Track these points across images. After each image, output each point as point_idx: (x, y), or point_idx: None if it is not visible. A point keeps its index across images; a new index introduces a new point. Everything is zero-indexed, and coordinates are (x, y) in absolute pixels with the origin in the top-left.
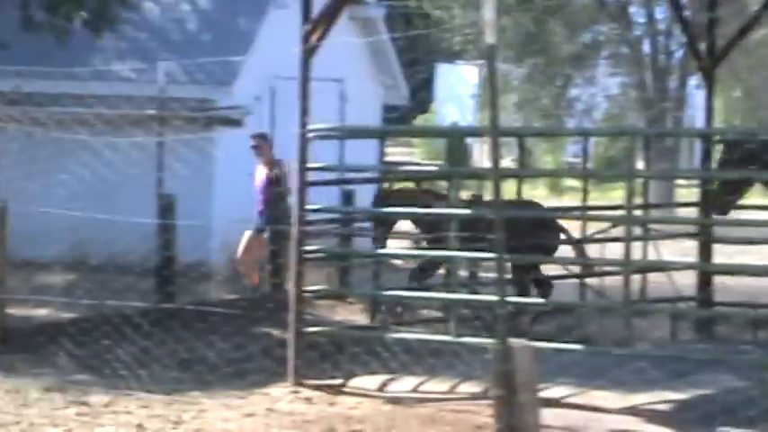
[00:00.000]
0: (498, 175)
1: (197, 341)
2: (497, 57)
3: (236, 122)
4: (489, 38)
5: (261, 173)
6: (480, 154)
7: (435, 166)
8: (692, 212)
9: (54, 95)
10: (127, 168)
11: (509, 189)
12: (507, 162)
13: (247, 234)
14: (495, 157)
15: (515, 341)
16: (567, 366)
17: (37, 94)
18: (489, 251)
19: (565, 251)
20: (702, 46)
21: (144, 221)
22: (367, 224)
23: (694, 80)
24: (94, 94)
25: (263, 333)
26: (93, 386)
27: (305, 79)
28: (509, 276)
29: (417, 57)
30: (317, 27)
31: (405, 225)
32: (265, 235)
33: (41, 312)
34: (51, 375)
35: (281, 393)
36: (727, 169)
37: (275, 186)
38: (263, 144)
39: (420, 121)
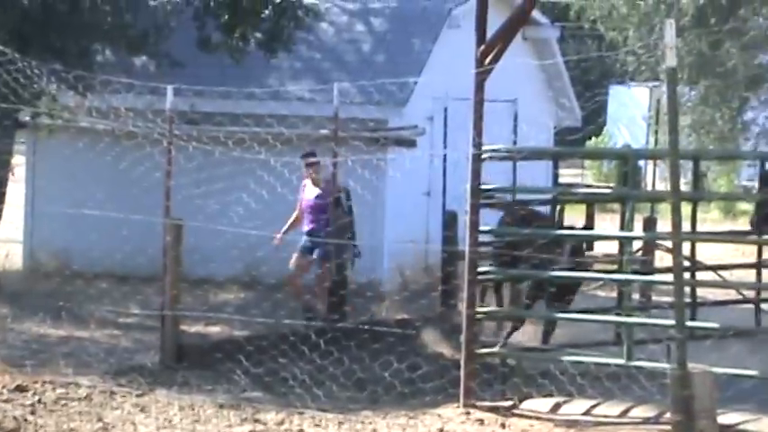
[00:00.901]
0: (678, 198)
1: (372, 360)
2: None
3: (409, 143)
4: (670, 60)
5: (310, 193)
6: (649, 176)
7: (608, 188)
8: None
9: (232, 115)
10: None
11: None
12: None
13: (295, 256)
14: (675, 180)
15: (695, 366)
16: (743, 393)
17: (215, 114)
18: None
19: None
20: None
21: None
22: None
23: None
24: (272, 113)
25: (436, 353)
26: (267, 404)
27: (479, 100)
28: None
29: (592, 79)
30: (491, 48)
31: None
32: (314, 255)
33: (214, 330)
34: (225, 392)
35: (452, 414)
36: None
37: (333, 206)
38: (317, 163)
39: (591, 143)
